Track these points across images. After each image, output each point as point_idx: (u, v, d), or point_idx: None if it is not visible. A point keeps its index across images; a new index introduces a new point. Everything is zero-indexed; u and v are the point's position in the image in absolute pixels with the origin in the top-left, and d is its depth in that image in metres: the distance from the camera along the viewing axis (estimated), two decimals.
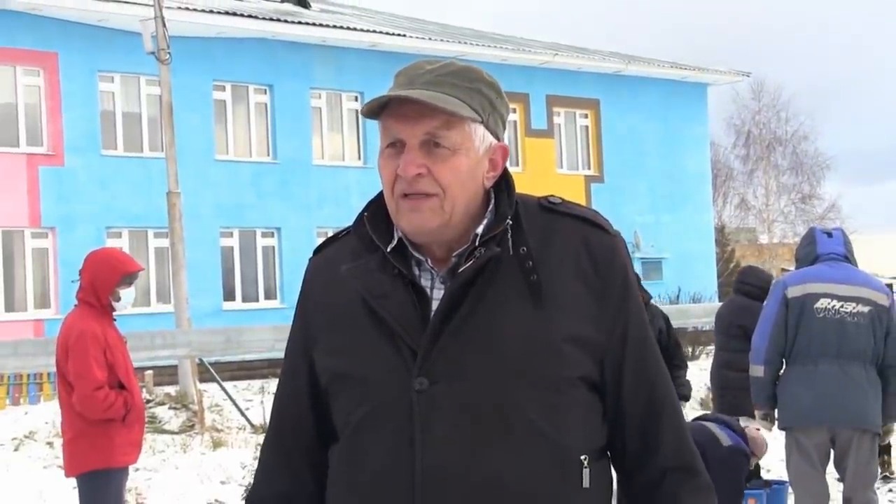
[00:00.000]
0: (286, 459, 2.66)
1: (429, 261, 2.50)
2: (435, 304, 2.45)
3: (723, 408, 11.27)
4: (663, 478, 2.53)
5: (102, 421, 7.10)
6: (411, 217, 2.44)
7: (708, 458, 9.97)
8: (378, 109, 2.46)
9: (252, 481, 2.81)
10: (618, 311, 2.50)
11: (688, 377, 10.84)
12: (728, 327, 11.41)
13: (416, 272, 2.50)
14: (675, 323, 10.95)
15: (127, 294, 7.44)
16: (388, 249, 2.49)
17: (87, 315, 7.30)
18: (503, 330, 2.40)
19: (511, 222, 2.48)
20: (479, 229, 2.48)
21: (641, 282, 10.87)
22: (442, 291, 2.46)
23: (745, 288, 11.33)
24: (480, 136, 2.49)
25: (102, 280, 7.32)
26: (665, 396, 2.56)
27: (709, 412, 10.69)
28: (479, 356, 2.38)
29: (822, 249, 8.17)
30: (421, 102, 2.41)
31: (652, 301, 10.94)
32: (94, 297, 7.33)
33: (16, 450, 16.02)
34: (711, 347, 35.15)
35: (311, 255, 2.70)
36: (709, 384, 20.61)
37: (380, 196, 2.54)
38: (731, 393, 10.93)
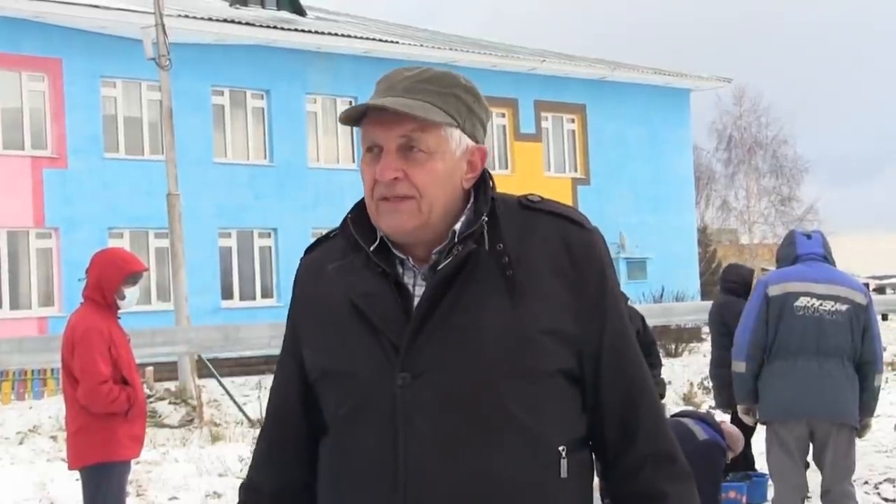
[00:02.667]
0: (279, 451, 2.67)
1: (410, 259, 2.50)
2: (416, 301, 2.45)
3: (720, 404, 11.33)
4: (642, 465, 2.53)
5: (106, 415, 7.11)
6: (390, 219, 2.45)
7: (684, 453, 10.08)
8: (357, 117, 2.46)
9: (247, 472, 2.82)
10: (595, 304, 2.50)
11: (668, 374, 10.90)
12: (718, 325, 11.45)
13: (399, 270, 2.50)
14: (659, 321, 11.03)
15: (131, 293, 7.45)
16: (371, 249, 2.50)
17: (92, 312, 7.31)
18: (482, 324, 2.40)
19: (487, 219, 2.48)
20: (457, 227, 2.49)
21: (619, 283, 10.93)
22: (423, 288, 2.46)
23: (727, 286, 11.36)
24: (457, 140, 2.48)
25: (108, 279, 7.33)
26: (643, 386, 2.56)
27: (690, 407, 10.75)
28: (459, 350, 2.39)
29: (801, 250, 8.19)
30: (396, 109, 2.41)
31: (629, 302, 10.97)
32: (100, 295, 7.34)
33: (20, 443, 16.03)
34: (694, 344, 35.49)
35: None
36: (691, 379, 20.75)
37: (364, 198, 2.55)
38: (727, 390, 10.92)
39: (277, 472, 2.66)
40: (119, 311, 7.46)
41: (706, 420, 10.10)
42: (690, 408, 10.99)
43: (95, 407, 7.09)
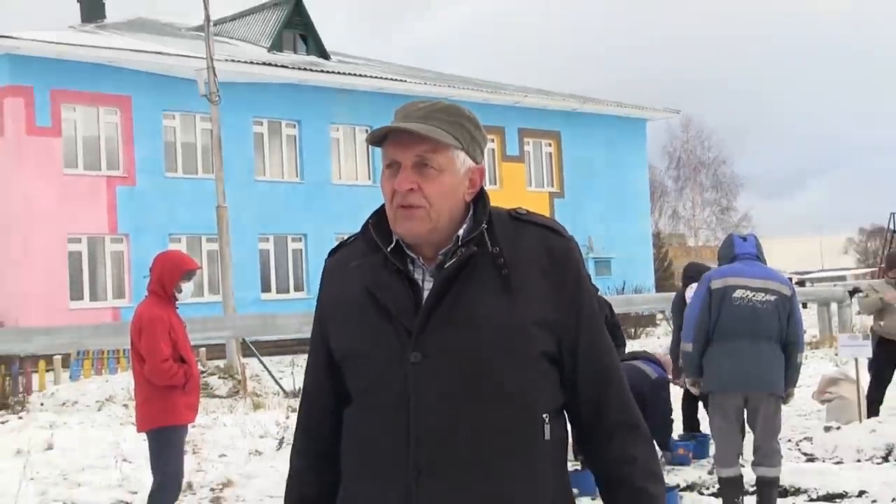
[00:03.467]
0: (315, 420, 2.66)
1: (420, 259, 2.50)
2: (426, 294, 2.45)
3: (677, 376, 11.42)
4: (613, 433, 2.53)
5: (167, 387, 7.10)
6: (405, 224, 2.45)
7: (642, 390, 10.39)
8: (380, 138, 2.47)
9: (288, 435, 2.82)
10: (573, 299, 2.50)
11: (629, 351, 10.99)
12: (678, 313, 11.52)
13: (411, 268, 2.50)
14: (620, 309, 11.10)
15: (187, 287, 7.44)
16: (388, 250, 2.50)
17: (155, 303, 7.31)
18: (480, 314, 2.40)
19: (486, 227, 2.49)
20: (461, 233, 2.49)
21: (591, 279, 11.04)
22: (431, 283, 2.46)
23: (687, 280, 11.37)
24: (461, 160, 2.49)
25: (168, 275, 7.33)
26: (611, 366, 2.57)
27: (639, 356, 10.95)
28: (462, 335, 2.39)
29: (738, 250, 8.20)
30: (414, 133, 2.41)
31: (598, 293, 11.05)
32: (161, 288, 7.33)
33: (99, 410, 16.04)
34: (650, 328, 35.48)
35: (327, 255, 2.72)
36: None
37: (382, 207, 2.55)
38: None
39: (312, 436, 2.66)
40: (177, 302, 7.47)
41: (650, 358, 10.91)
42: (638, 351, 11.18)
43: (159, 381, 7.09)
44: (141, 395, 7.27)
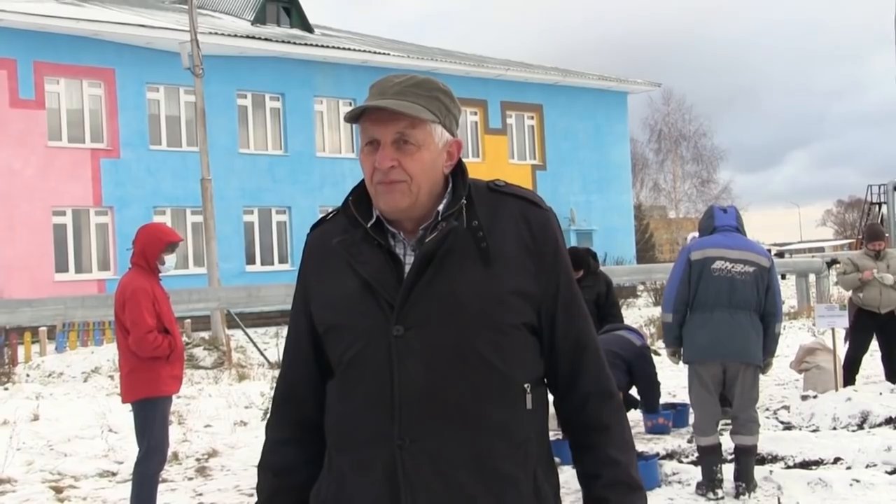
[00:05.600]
0: (296, 390, 2.66)
1: (401, 233, 2.50)
2: (407, 268, 2.45)
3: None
4: (587, 400, 2.54)
5: (151, 358, 7.10)
6: (387, 199, 2.44)
7: (629, 357, 10.53)
8: (357, 116, 2.46)
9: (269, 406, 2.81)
10: (551, 270, 2.50)
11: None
12: None
13: (392, 243, 2.49)
14: None
15: (170, 259, 7.42)
16: (369, 225, 2.49)
17: (138, 275, 7.29)
18: (460, 286, 2.40)
19: (465, 202, 2.49)
20: (441, 207, 2.48)
21: (597, 256, 11.41)
22: (412, 257, 2.46)
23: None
24: (439, 134, 2.48)
25: (150, 248, 7.31)
26: (588, 336, 2.57)
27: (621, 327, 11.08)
28: (443, 307, 2.38)
29: (718, 222, 8.21)
30: (391, 110, 2.41)
31: (600, 269, 11.61)
32: (144, 261, 7.31)
33: (85, 381, 16.05)
34: (631, 299, 35.53)
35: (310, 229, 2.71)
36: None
37: (361, 183, 2.55)
38: None
39: (295, 409, 2.66)
40: (161, 274, 7.46)
41: (631, 328, 11.10)
42: (620, 324, 11.30)
43: (142, 352, 7.09)
44: (125, 366, 7.26)
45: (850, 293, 12.93)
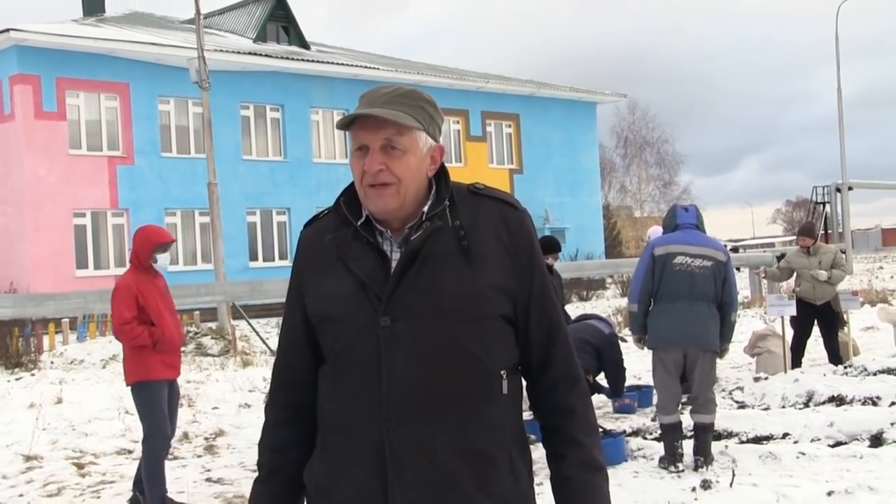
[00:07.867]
0: (291, 377, 2.65)
1: (388, 232, 2.49)
2: (394, 264, 2.43)
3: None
4: (556, 385, 2.54)
5: (139, 346, 7.14)
6: (376, 201, 2.42)
7: (598, 344, 10.50)
8: (348, 123, 2.45)
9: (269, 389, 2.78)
10: (527, 266, 2.49)
11: (580, 312, 11.09)
12: None
13: (380, 240, 2.48)
14: (574, 274, 11.09)
15: (162, 258, 7.45)
16: (359, 224, 2.48)
17: (130, 273, 7.37)
18: (443, 281, 2.38)
19: (448, 203, 2.48)
20: (425, 208, 2.47)
21: (560, 250, 11.15)
22: (399, 254, 2.45)
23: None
24: (423, 140, 2.47)
25: (142, 249, 7.36)
26: (559, 327, 2.56)
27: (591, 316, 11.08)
28: (427, 300, 2.37)
29: (680, 220, 8.23)
30: (380, 117, 2.40)
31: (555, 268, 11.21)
32: (137, 260, 7.38)
33: (103, 367, 16.03)
34: (600, 291, 35.55)
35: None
36: None
37: (351, 185, 2.53)
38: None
39: (290, 393, 2.65)
40: (162, 271, 7.49)
41: (600, 317, 11.16)
42: (590, 313, 11.32)
43: (121, 341, 7.22)
44: (124, 354, 7.36)
45: (796, 286, 13.04)
